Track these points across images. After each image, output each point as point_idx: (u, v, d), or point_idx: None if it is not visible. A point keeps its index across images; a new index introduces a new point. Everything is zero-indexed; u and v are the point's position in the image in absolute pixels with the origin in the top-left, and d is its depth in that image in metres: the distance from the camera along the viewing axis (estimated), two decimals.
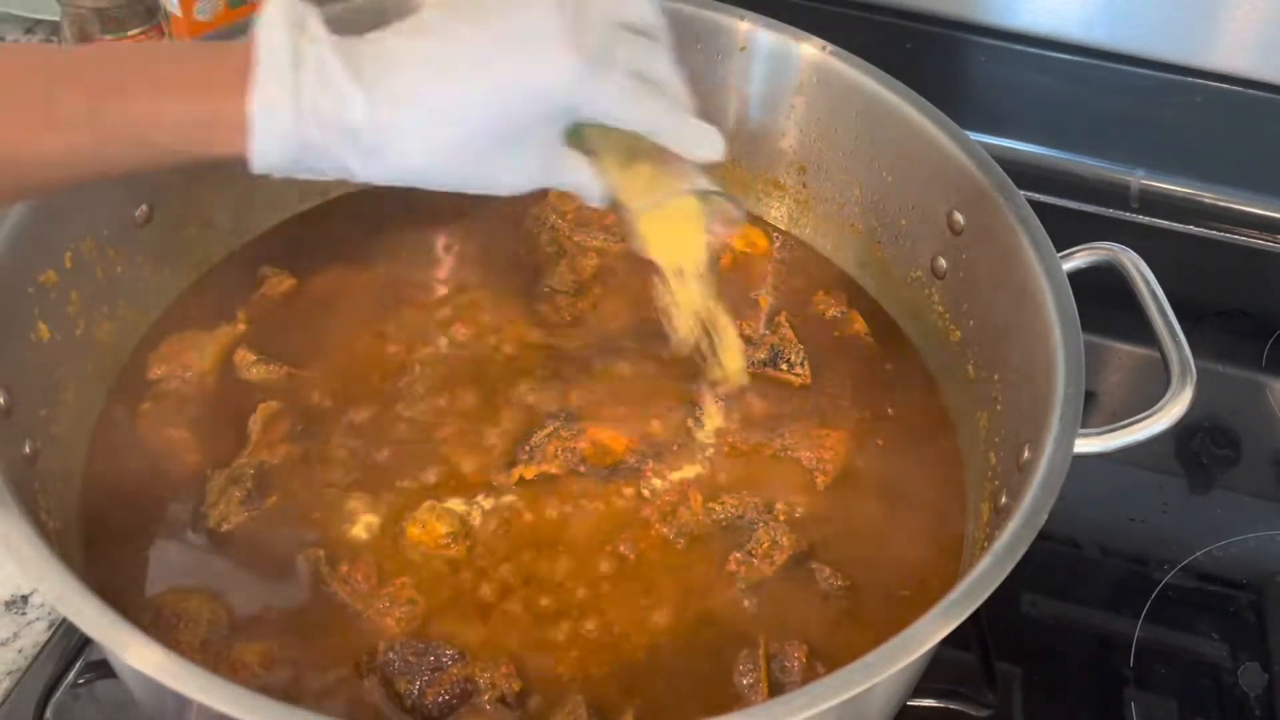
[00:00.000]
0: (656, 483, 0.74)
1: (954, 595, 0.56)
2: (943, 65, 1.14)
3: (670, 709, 0.65)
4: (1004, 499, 0.68)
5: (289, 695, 0.63)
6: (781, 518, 0.73)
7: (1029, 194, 0.77)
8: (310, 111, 0.55)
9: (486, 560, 0.70)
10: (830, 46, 0.86)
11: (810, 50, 0.86)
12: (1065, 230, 0.77)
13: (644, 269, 0.89)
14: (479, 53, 0.56)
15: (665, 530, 0.72)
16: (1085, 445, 0.64)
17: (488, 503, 0.73)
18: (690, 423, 0.78)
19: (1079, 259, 0.75)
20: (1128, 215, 1.06)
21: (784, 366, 0.82)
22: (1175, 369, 0.68)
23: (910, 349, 0.86)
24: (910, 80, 0.84)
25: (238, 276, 0.85)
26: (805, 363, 0.82)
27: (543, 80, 0.57)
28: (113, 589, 0.62)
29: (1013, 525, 0.59)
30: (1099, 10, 1.10)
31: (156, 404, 0.77)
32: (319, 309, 0.84)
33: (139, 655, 0.51)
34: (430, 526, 0.70)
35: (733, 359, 0.78)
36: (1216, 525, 0.85)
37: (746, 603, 0.70)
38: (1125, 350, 0.96)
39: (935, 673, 0.68)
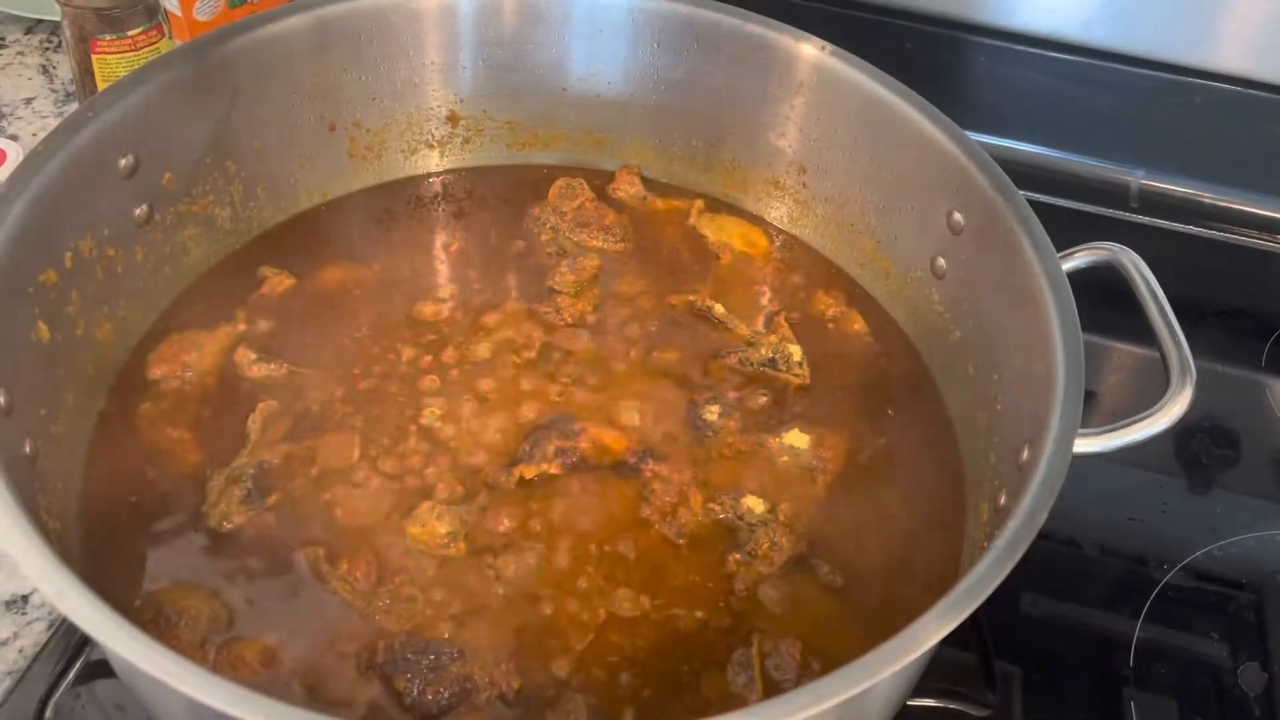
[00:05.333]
0: (656, 483, 0.74)
1: (954, 595, 0.56)
2: (942, 65, 1.14)
3: (670, 708, 0.65)
4: (1003, 499, 0.68)
5: (288, 693, 0.63)
6: (781, 518, 0.73)
7: (1029, 194, 0.77)
8: None
9: (486, 559, 0.70)
10: (830, 46, 0.86)
11: (810, 50, 0.86)
12: (1065, 230, 0.77)
13: (644, 270, 0.89)
14: None
15: (665, 530, 0.72)
16: (1085, 445, 0.64)
17: (488, 502, 0.73)
18: (690, 423, 0.78)
19: (1079, 259, 0.75)
20: (1127, 215, 1.06)
21: (784, 366, 0.82)
22: (1175, 369, 0.68)
23: (910, 349, 0.85)
24: (910, 80, 0.84)
25: (238, 276, 0.85)
26: (805, 363, 0.82)
27: None
28: (113, 588, 0.63)
29: (1012, 525, 0.59)
30: (1099, 10, 1.10)
31: (156, 404, 0.77)
32: (319, 308, 0.84)
33: (139, 654, 0.51)
34: (430, 525, 0.70)
35: None
36: (1216, 525, 0.85)
37: (747, 603, 0.69)
38: (1125, 350, 0.96)
39: (935, 672, 0.68)
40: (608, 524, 0.72)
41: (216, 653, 0.65)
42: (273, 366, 0.79)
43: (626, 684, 0.66)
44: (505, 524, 0.72)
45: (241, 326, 0.82)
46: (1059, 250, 0.73)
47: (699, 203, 0.94)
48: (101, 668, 0.71)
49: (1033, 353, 0.70)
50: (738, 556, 0.71)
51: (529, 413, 0.78)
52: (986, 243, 0.77)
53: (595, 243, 0.90)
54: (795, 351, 0.82)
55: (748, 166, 0.93)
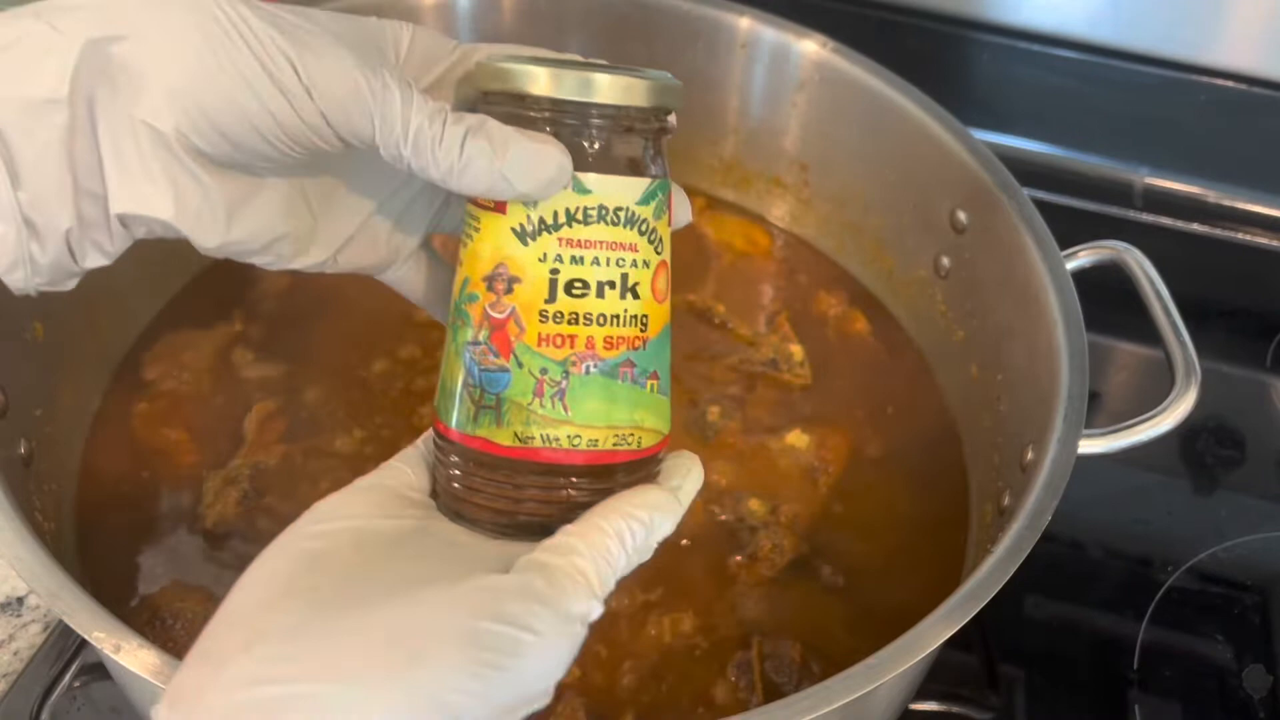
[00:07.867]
0: None
1: (957, 597, 0.55)
2: (946, 62, 1.13)
3: (670, 711, 0.64)
4: (1007, 500, 0.68)
5: None
6: (783, 519, 0.73)
7: (1033, 192, 0.76)
8: None
9: None
10: (832, 43, 0.86)
11: (811, 47, 0.86)
12: (1069, 229, 0.76)
13: None
14: None
15: None
16: (1089, 446, 0.63)
17: None
18: (691, 424, 0.77)
19: (1083, 257, 0.74)
20: (1132, 214, 1.05)
21: (785, 367, 0.81)
22: (1180, 369, 0.67)
23: (913, 348, 0.85)
24: (913, 77, 0.83)
25: (234, 275, 0.84)
26: (806, 363, 0.82)
27: None
28: (108, 590, 0.62)
29: (1016, 526, 0.58)
30: (1103, 7, 1.09)
31: (152, 404, 0.76)
32: (317, 307, 0.83)
33: (134, 657, 0.50)
34: None
35: None
36: (1221, 526, 0.84)
37: (747, 605, 0.69)
38: (1129, 350, 0.96)
39: (937, 675, 0.68)
40: None
41: None
42: (270, 366, 0.78)
43: (626, 686, 0.65)
44: None
45: (238, 326, 0.81)
46: (1063, 249, 0.72)
47: (699, 201, 0.94)
48: (98, 670, 0.70)
49: (1036, 353, 0.69)
50: (739, 558, 0.71)
51: None
52: (990, 241, 0.77)
53: None
54: (797, 352, 0.82)
55: (749, 164, 0.93)
